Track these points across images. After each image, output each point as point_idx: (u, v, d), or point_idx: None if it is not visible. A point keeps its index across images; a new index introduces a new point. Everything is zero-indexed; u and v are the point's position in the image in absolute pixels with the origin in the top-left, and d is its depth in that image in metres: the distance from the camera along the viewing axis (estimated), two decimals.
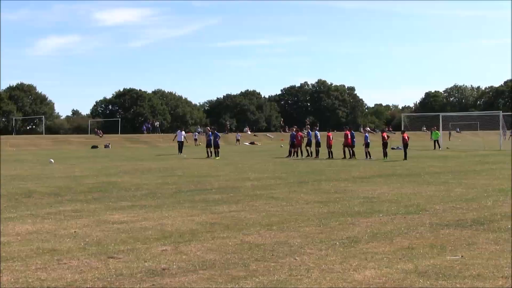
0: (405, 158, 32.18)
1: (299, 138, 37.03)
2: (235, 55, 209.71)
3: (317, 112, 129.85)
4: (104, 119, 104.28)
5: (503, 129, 54.18)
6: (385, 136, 34.62)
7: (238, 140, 68.83)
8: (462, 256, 8.11)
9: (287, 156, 36.59)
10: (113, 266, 7.79)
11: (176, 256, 8.33)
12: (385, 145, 33.61)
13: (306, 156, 36.30)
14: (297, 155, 36.74)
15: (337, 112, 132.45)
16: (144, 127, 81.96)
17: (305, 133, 38.65)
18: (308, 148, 37.14)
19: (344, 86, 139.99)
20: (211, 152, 36.92)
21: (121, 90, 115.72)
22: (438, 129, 51.96)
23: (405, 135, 33.95)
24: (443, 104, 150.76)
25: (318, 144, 36.04)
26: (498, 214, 11.85)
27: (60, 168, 27.71)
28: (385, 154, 32.91)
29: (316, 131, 37.37)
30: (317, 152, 35.82)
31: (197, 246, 9.01)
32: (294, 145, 37.05)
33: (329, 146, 35.03)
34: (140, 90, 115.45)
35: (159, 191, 16.96)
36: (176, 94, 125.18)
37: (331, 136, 35.51)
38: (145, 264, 7.89)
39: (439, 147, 46.60)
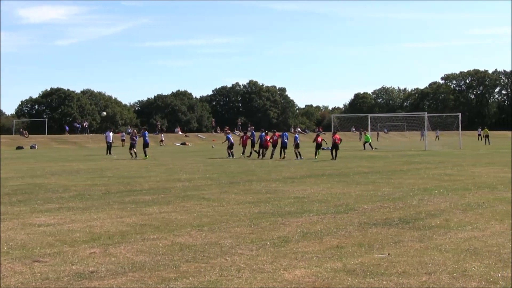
0: (334, 158, 32.71)
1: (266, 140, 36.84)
2: (166, 55, 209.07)
3: (249, 112, 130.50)
4: (30, 119, 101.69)
5: (429, 130, 55.66)
6: (320, 139, 35.19)
7: (162, 140, 67.66)
8: (388, 254, 8.30)
9: (258, 157, 36.09)
10: (39, 270, 7.58)
11: (104, 259, 8.19)
12: (318, 146, 34.28)
13: (248, 156, 36.59)
14: (242, 154, 37.02)
15: (268, 112, 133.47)
16: (67, 128, 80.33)
17: (249, 134, 38.84)
18: (252, 149, 37.33)
19: (275, 87, 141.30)
20: (135, 153, 36.49)
21: (48, 89, 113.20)
22: (366, 131, 53.31)
23: (336, 136, 34.49)
24: (372, 105, 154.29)
25: (261, 145, 36.17)
26: (423, 213, 12.18)
27: None
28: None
29: (262, 133, 37.51)
30: (260, 152, 36.01)
31: (127, 248, 8.88)
32: (262, 146, 36.78)
33: (265, 147, 35.29)
34: (68, 89, 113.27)
35: (88, 193, 16.63)
36: (106, 94, 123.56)
37: (268, 138, 35.67)
38: (72, 267, 7.73)
39: (371, 148, 47.53)
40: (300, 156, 33.69)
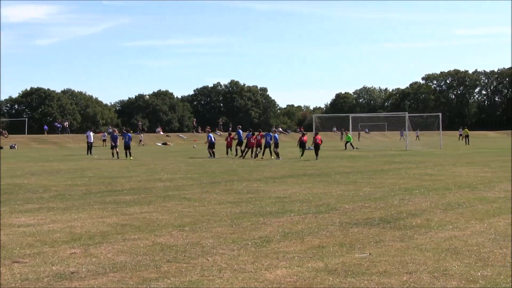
0: (316, 158, 32.88)
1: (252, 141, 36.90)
2: (147, 54, 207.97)
3: (230, 112, 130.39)
4: (10, 119, 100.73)
5: (410, 130, 55.95)
6: (305, 139, 35.46)
7: (140, 141, 67.01)
8: (370, 254, 8.33)
9: (240, 156, 36.19)
10: (18, 271, 7.51)
11: (85, 259, 8.14)
12: (302, 145, 34.54)
13: (235, 156, 36.86)
14: (226, 154, 37.16)
15: (249, 112, 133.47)
16: (45, 127, 79.87)
17: (235, 134, 39.20)
18: (238, 147, 37.68)
19: (256, 87, 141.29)
20: (117, 153, 36.35)
21: (28, 89, 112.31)
22: (347, 131, 53.68)
23: (318, 137, 34.69)
24: (353, 105, 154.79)
25: (247, 145, 36.42)
26: (404, 212, 12.24)
27: None
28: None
29: (249, 133, 37.68)
30: (244, 152, 36.12)
31: (108, 248, 8.84)
32: (248, 145, 36.78)
33: (250, 147, 35.62)
34: (48, 89, 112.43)
35: (68, 193, 16.52)
36: (87, 93, 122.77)
37: (251, 139, 35.89)
38: (52, 268, 7.67)
39: (352, 148, 47.60)
40: (278, 157, 33.80)
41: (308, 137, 37.60)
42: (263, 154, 34.60)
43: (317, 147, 33.86)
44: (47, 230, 10.44)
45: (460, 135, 72.79)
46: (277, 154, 34.03)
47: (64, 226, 10.85)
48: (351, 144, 48.41)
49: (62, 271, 7.48)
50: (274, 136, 36.02)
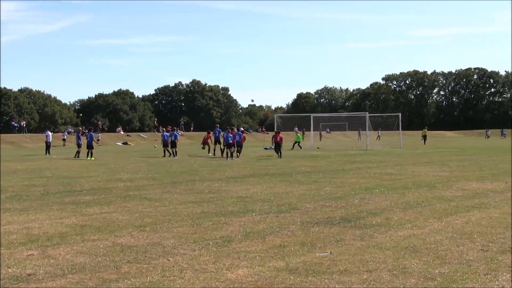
0: (279, 156, 33.30)
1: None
2: (107, 53, 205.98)
3: (192, 112, 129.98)
4: None
5: (370, 130, 56.36)
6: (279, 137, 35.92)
7: (98, 139, 66.12)
8: (330, 253, 8.37)
9: (222, 155, 36.27)
10: None
11: (43, 261, 8.01)
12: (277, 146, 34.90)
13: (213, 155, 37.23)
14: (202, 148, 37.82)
15: (211, 112, 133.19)
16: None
17: (212, 132, 40.02)
18: (216, 146, 38.23)
19: (218, 86, 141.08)
20: (78, 152, 35.90)
21: None
22: (303, 131, 53.87)
23: (280, 135, 34.93)
24: (314, 105, 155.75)
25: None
26: (364, 212, 12.34)
27: None
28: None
29: (226, 132, 37.83)
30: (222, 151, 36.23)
31: (66, 250, 8.71)
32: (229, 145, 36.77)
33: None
34: (4, 88, 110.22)
35: (26, 193, 16.24)
36: (45, 92, 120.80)
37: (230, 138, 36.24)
38: (8, 270, 7.52)
39: (300, 148, 47.55)
40: (232, 156, 33.73)
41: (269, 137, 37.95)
42: (239, 153, 34.65)
43: (278, 145, 34.13)
44: (3, 232, 10.24)
45: None
46: (229, 154, 34.02)
47: (21, 228, 10.66)
48: (298, 144, 48.10)
49: (19, 273, 7.34)
50: (228, 136, 35.96)
